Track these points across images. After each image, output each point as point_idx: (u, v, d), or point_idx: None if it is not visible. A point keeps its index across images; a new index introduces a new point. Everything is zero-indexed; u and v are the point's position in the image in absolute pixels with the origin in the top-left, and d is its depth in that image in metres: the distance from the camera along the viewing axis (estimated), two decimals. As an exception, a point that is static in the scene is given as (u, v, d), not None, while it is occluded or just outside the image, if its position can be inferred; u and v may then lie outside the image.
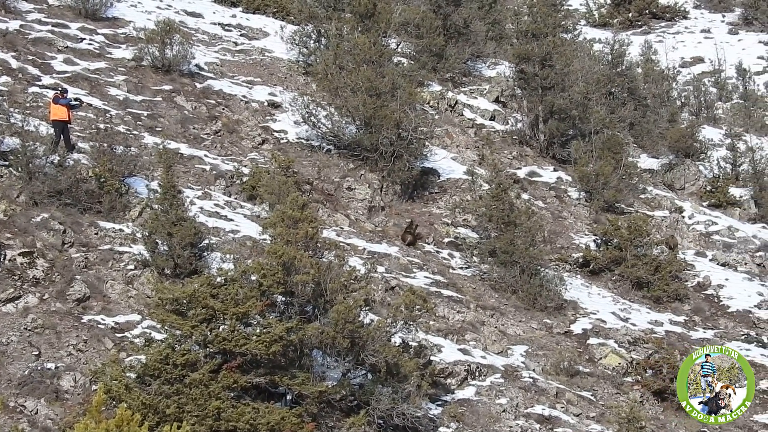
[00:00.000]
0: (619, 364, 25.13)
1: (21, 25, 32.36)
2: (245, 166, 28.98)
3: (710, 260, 32.38)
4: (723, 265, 32.14)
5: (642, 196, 35.12)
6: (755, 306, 29.61)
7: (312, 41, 36.09)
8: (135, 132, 28.43)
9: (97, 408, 15.20)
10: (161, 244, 22.60)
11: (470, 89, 38.11)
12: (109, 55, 32.62)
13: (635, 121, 40.51)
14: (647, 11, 62.22)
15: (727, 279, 30.87)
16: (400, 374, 20.23)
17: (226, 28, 38.96)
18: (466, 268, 28.13)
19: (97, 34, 33.86)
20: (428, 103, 35.44)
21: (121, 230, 23.76)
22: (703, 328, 28.23)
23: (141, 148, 27.39)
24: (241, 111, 31.94)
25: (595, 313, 27.35)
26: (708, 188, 38.16)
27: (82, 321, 21.03)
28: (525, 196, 32.27)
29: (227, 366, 18.60)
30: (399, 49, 37.08)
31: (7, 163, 24.19)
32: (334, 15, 35.83)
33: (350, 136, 31.02)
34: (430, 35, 37.59)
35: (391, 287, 25.08)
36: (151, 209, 23.44)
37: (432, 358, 22.27)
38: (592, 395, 23.76)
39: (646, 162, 38.90)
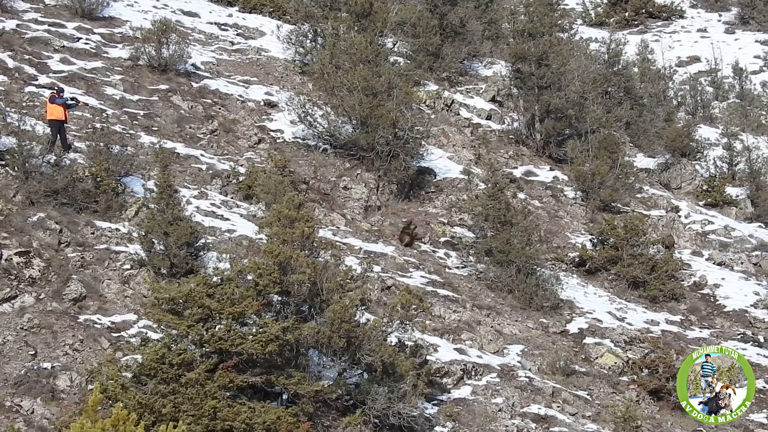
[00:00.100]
0: (615, 363, 25.14)
1: (17, 25, 32.34)
2: (241, 165, 28.98)
3: (706, 260, 32.41)
4: (719, 264, 32.16)
5: (638, 195, 35.12)
6: (751, 305, 29.64)
7: (308, 41, 36.07)
8: (131, 131, 28.41)
9: (93, 407, 15.18)
10: (157, 243, 22.57)
11: (466, 89, 38.11)
12: (105, 55, 32.60)
13: (632, 120, 40.52)
14: (644, 10, 62.23)
15: (723, 278, 30.90)
16: (396, 374, 20.23)
17: (223, 27, 38.94)
18: (463, 267, 28.14)
19: (94, 33, 33.84)
20: (424, 102, 35.42)
21: (117, 230, 23.74)
22: (700, 328, 28.27)
23: (137, 148, 27.38)
24: (237, 110, 31.92)
25: (591, 313, 27.36)
26: (704, 188, 38.15)
27: (79, 320, 21.01)
28: (521, 195, 32.26)
29: (223, 365, 18.60)
30: (395, 49, 37.04)
31: (3, 162, 24.16)
32: (331, 14, 35.79)
33: (346, 136, 31.00)
34: (426, 34, 37.58)
35: (387, 287, 25.07)
36: (147, 209, 23.41)
37: (428, 357, 22.25)
38: (588, 394, 23.78)
39: (642, 161, 38.95)
